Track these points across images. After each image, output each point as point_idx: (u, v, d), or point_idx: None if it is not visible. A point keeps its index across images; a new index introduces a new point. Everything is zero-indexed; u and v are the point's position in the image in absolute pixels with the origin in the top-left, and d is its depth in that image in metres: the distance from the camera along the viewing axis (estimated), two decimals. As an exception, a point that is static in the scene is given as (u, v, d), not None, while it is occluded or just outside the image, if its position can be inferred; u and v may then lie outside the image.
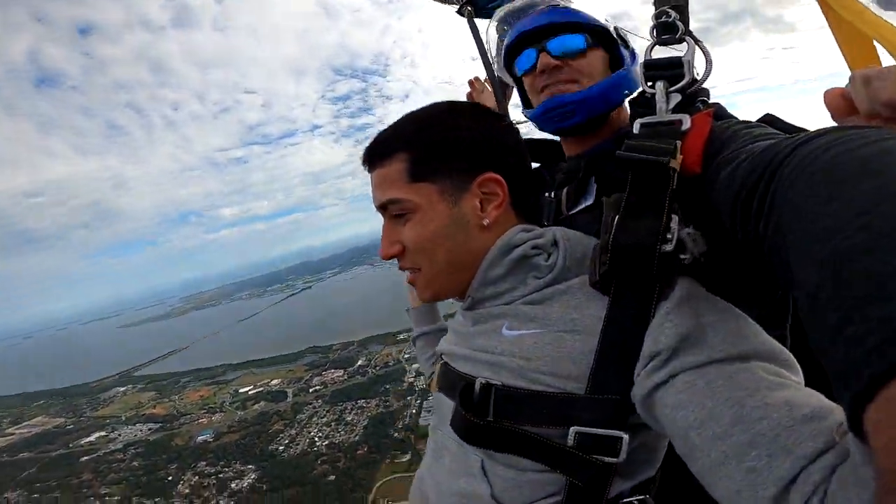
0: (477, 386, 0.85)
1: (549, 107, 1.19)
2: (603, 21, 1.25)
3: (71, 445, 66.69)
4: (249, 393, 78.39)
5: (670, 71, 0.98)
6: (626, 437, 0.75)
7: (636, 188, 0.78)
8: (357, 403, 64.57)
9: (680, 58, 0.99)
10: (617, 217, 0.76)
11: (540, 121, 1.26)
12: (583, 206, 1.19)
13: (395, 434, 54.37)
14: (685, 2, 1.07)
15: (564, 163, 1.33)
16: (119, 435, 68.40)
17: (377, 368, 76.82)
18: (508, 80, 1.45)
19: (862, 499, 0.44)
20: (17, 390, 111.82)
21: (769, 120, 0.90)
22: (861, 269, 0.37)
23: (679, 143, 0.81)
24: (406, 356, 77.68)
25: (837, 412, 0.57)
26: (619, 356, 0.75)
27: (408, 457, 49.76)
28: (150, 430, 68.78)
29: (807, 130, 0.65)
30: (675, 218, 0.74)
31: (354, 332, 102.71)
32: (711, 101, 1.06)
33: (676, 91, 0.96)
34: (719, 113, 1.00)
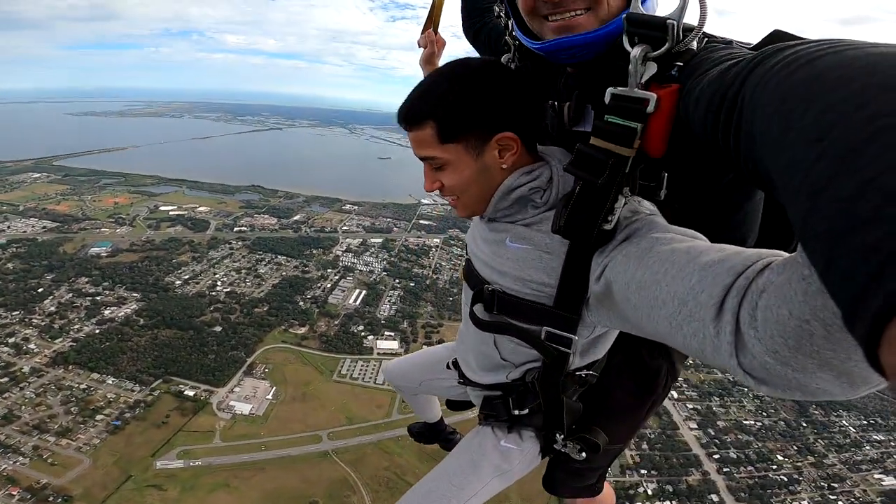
0: (486, 290, 1.28)
1: (560, 47, 1.14)
2: None
3: (-58, 226, 59.40)
4: (170, 213, 71.81)
5: (652, 32, 0.94)
6: (575, 338, 1.20)
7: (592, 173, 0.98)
8: (276, 258, 59.76)
9: (664, 20, 0.93)
10: (578, 189, 1.01)
11: (545, 55, 1.21)
12: (582, 128, 1.29)
13: (301, 303, 50.32)
14: None
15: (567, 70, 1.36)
16: (8, 226, 61.36)
17: (311, 229, 71.13)
18: None
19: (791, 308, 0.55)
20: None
21: (776, 35, 0.88)
22: (825, 205, 0.40)
23: (640, 127, 0.93)
24: (344, 228, 72.14)
25: (735, 253, 0.74)
26: (573, 286, 1.10)
27: (303, 330, 46.10)
28: (43, 227, 62.06)
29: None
30: (620, 199, 0.98)
31: (304, 187, 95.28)
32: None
33: (653, 59, 0.94)
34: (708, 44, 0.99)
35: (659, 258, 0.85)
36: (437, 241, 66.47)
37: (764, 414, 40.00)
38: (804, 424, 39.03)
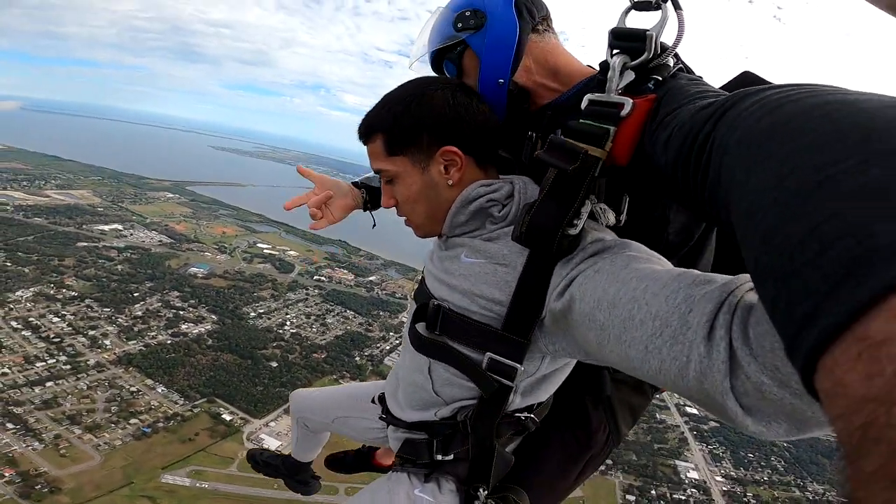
0: (431, 305, 1.18)
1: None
2: (451, 25, 1.35)
3: (83, 227, 68.91)
4: (264, 251, 78.10)
5: (631, 44, 0.99)
6: (521, 367, 1.07)
7: (561, 174, 0.95)
8: (345, 312, 61.78)
9: (644, 32, 0.98)
10: (544, 192, 0.97)
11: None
12: None
13: (357, 358, 50.91)
14: None
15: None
16: (130, 234, 70.36)
17: (383, 292, 73.31)
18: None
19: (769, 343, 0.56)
20: (90, 161, 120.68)
21: (746, 78, 0.92)
22: (774, 248, 0.43)
23: (613, 129, 0.93)
24: (414, 295, 73.63)
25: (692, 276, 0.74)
26: (527, 303, 1.02)
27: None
28: (159, 241, 70.36)
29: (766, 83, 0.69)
30: (587, 203, 0.94)
31: (385, 250, 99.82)
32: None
33: (632, 68, 0.99)
34: (679, 74, 1.03)
35: (637, 275, 0.80)
36: (501, 329, 64.95)
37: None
38: None
